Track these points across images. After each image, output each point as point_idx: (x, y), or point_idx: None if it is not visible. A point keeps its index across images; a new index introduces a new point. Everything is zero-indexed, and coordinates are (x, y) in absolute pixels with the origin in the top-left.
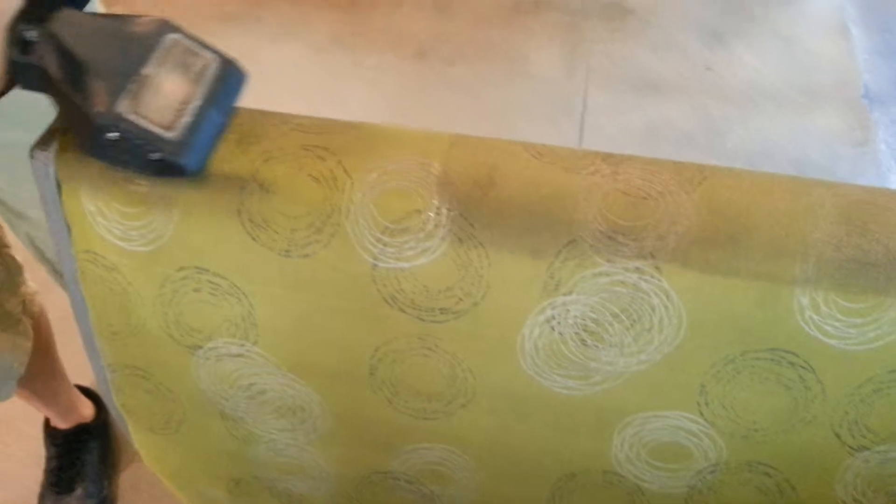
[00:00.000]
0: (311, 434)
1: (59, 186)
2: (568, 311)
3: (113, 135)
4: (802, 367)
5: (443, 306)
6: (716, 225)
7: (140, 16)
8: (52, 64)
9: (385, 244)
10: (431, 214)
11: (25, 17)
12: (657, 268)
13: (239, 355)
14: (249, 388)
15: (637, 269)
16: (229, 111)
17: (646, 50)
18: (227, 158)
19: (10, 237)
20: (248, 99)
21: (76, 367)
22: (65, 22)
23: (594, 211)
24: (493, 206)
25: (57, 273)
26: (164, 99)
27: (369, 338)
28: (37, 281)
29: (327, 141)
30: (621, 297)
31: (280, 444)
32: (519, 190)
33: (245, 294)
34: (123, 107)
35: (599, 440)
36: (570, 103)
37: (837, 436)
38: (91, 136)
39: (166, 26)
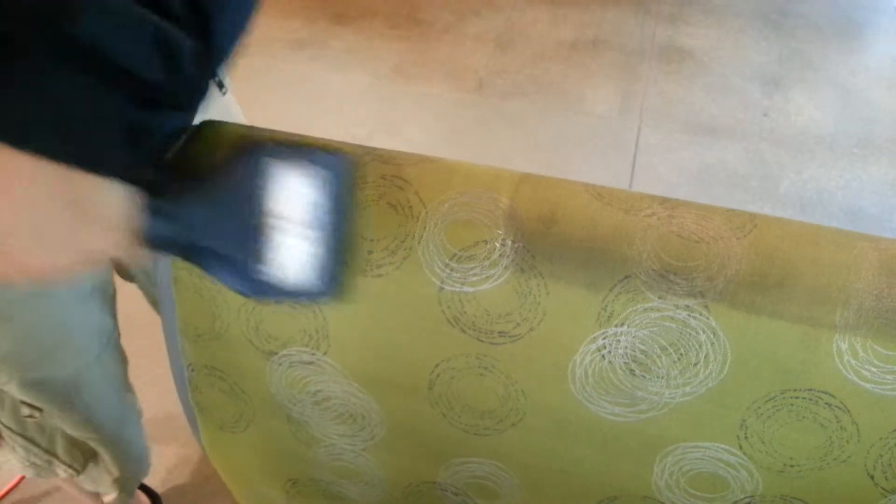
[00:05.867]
0: (368, 441)
1: None
2: (619, 341)
3: (259, 299)
4: (839, 408)
5: (501, 330)
6: (763, 270)
7: (230, 152)
8: (180, 252)
9: (452, 269)
10: (497, 245)
11: (152, 211)
12: (706, 306)
13: (310, 363)
14: (316, 395)
15: (686, 307)
16: (349, 214)
17: (702, 92)
18: None
19: None
20: (312, 123)
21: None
22: (183, 206)
23: (649, 250)
24: (554, 240)
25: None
26: (286, 253)
27: (430, 354)
28: None
29: (405, 172)
30: (670, 332)
31: (338, 448)
32: (579, 227)
33: (320, 307)
34: (256, 272)
35: (641, 466)
36: (623, 141)
37: (871, 477)
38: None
39: (257, 149)
